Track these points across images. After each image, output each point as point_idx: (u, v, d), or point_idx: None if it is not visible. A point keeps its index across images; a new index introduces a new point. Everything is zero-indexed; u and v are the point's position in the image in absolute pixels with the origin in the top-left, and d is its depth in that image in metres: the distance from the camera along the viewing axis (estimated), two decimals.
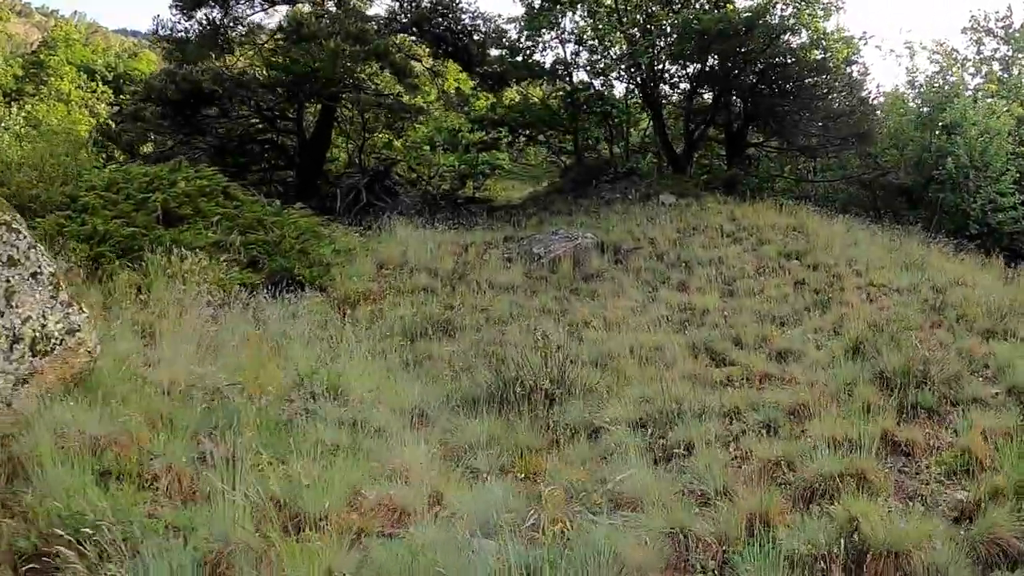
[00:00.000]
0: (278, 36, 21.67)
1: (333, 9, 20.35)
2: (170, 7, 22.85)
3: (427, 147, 32.33)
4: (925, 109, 27.50)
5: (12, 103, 40.66)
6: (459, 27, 23.04)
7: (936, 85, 27.41)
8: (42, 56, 43.16)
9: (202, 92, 20.69)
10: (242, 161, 25.66)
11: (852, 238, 18.52)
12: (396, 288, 14.13)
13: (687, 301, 13.80)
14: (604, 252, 17.20)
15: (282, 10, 23.04)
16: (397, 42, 24.35)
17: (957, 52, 29.47)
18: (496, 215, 24.34)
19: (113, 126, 25.37)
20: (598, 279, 15.76)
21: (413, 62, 24.56)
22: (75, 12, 24.92)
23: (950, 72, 28.41)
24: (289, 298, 12.83)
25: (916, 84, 27.45)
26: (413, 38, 24.27)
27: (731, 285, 14.81)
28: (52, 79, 39.39)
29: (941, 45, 29.05)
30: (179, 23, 23.00)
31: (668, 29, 24.16)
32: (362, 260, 14.90)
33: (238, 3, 22.63)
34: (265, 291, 13.16)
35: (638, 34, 24.51)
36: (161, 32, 23.76)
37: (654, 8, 23.88)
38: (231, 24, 22.87)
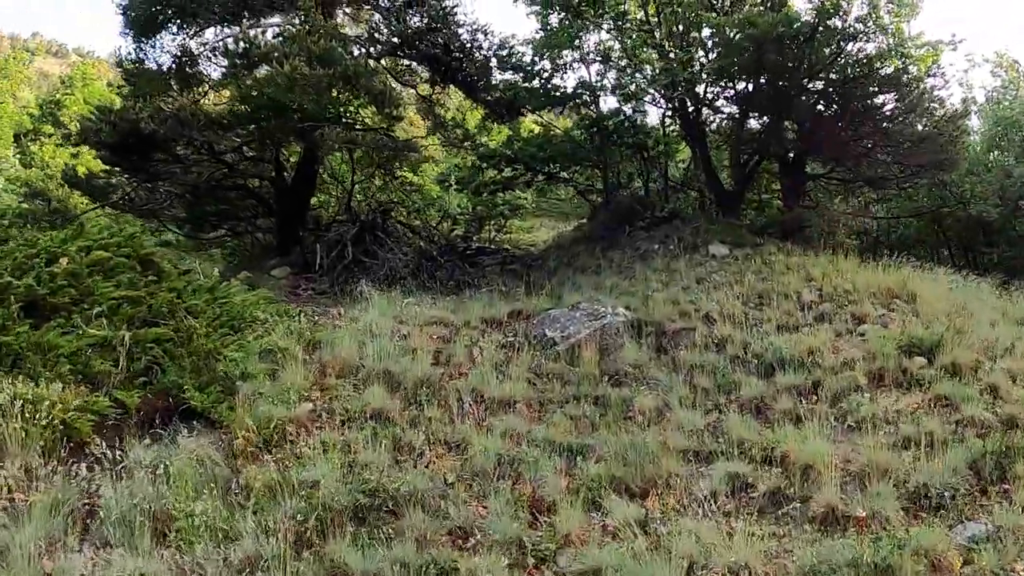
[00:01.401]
0: (223, 63, 16.89)
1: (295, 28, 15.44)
2: (121, 33, 18.29)
3: (435, 188, 27.59)
4: (999, 128, 23.39)
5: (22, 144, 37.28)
6: (456, 44, 18.14)
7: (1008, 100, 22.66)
8: (59, 95, 40.09)
9: (141, 134, 16.03)
10: (220, 210, 21.26)
11: (959, 297, 13.51)
12: (333, 414, 9.19)
13: (772, 442, 8.66)
14: (641, 335, 12.25)
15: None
16: (386, 66, 19.61)
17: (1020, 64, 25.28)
18: (510, 271, 19.44)
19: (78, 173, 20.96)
20: (633, 382, 10.84)
21: (405, 88, 19.79)
22: (116, 50, 20.83)
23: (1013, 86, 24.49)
24: (166, 441, 8.14)
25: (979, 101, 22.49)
26: (406, 61, 19.48)
27: (837, 405, 9.66)
28: (67, 119, 36.17)
29: (1002, 56, 25.05)
30: (131, 52, 18.44)
31: (710, 42, 19.12)
32: (294, 367, 9.93)
33: (204, 27, 17.83)
34: (138, 428, 8.54)
35: (675, 49, 19.44)
36: (121, 63, 19.23)
37: (695, 15, 18.68)
38: (196, 53, 18.14)
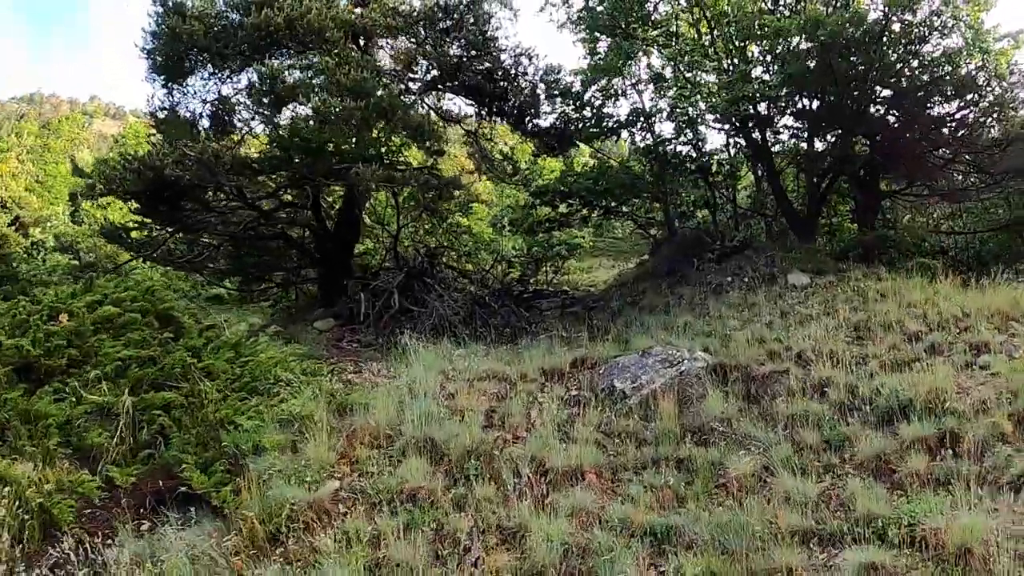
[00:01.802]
0: (245, 101, 15.55)
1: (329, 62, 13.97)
2: (146, 78, 17.11)
3: (487, 231, 26.09)
4: None
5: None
6: (500, 72, 16.62)
7: None
8: (111, 154, 40.17)
9: (166, 180, 14.75)
10: (262, 261, 20.02)
11: None
12: (362, 495, 7.52)
13: (910, 515, 6.67)
14: (726, 381, 10.45)
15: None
16: (431, 104, 18.19)
17: None
18: (570, 314, 17.74)
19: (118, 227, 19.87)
20: (721, 440, 8.99)
21: (449, 125, 18.33)
22: (149, 98, 20.06)
23: None
24: (160, 531, 6.63)
25: None
26: (449, 95, 18.01)
27: (982, 461, 7.62)
28: None
29: None
30: (162, 99, 17.25)
31: (770, 55, 17.36)
32: (319, 437, 8.28)
33: (235, 70, 16.54)
34: (131, 512, 7.03)
35: (733, 63, 17.68)
36: (154, 113, 18.07)
37: (753, 24, 16.87)
38: (232, 99, 16.84)
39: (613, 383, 10.48)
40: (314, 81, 13.51)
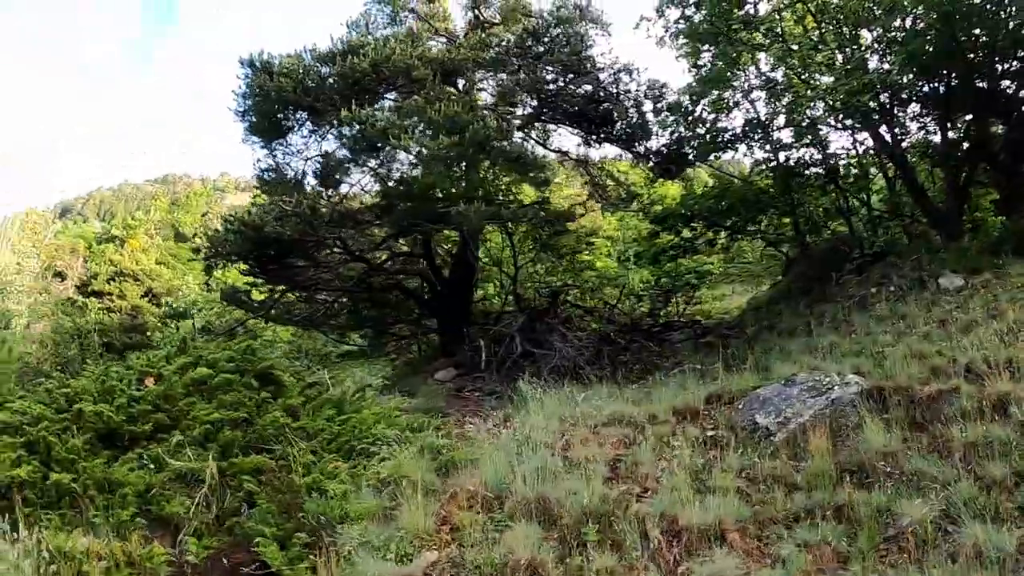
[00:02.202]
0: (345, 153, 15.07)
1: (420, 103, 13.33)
2: (244, 140, 16.94)
3: (611, 265, 25.01)
4: None
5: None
6: (600, 92, 15.64)
7: None
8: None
9: (267, 238, 14.42)
10: (382, 314, 19.68)
11: None
12: (462, 568, 6.53)
13: None
14: (885, 407, 8.98)
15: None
16: (536, 139, 17.38)
17: None
18: (704, 344, 16.50)
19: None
20: (885, 479, 7.55)
21: (557, 156, 17.44)
22: (255, 162, 20.28)
23: None
24: None
25: None
26: (551, 126, 17.15)
27: None
28: None
29: None
30: (266, 159, 17.09)
31: (885, 37, 15.70)
32: (417, 501, 7.32)
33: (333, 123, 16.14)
34: None
35: (847, 52, 16.06)
36: (255, 173, 17.96)
37: (865, 5, 15.24)
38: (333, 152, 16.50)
39: (755, 419, 9.22)
40: (405, 122, 12.87)
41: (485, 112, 14.40)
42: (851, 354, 11.28)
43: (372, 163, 14.62)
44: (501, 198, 15.89)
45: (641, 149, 17.12)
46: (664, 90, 16.81)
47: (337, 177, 15.72)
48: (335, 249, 16.26)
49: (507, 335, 16.59)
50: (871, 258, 15.81)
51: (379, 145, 13.37)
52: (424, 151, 12.84)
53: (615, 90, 15.91)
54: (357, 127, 13.19)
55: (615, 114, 16.17)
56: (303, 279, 17.46)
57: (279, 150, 16.74)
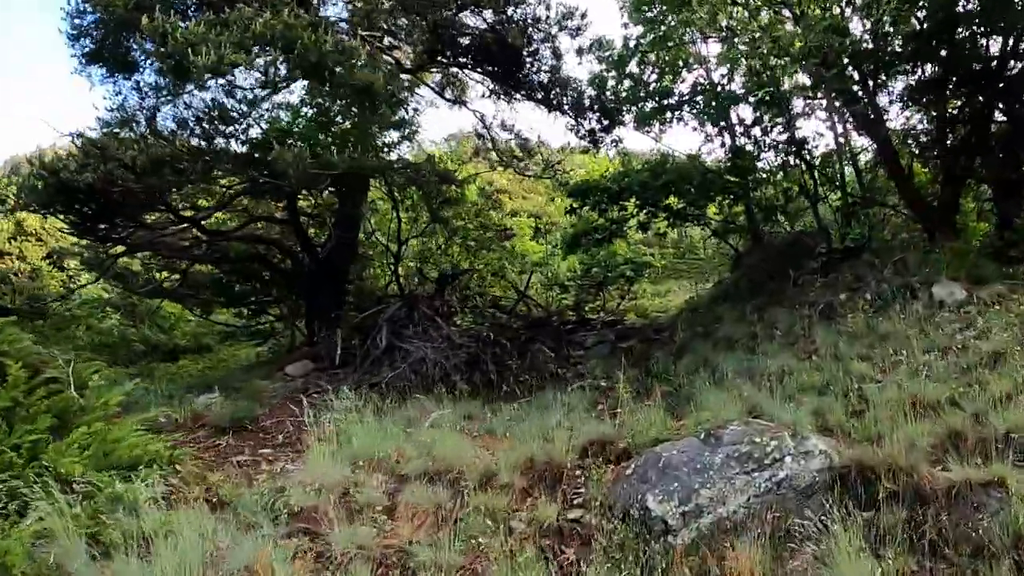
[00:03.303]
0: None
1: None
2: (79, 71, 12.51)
3: (537, 248, 21.02)
4: None
5: None
6: (503, 23, 11.46)
7: None
8: None
9: (70, 187, 10.19)
10: (244, 291, 15.61)
11: None
12: None
13: None
14: (871, 502, 5.04)
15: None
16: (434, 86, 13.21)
17: None
18: (622, 350, 12.63)
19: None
20: None
21: (457, 106, 13.32)
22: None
23: None
24: None
25: None
26: (454, 70, 12.97)
27: None
28: None
29: None
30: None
31: None
32: None
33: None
34: None
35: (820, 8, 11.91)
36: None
37: None
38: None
39: (647, 501, 5.26)
40: (220, 37, 8.60)
41: (343, 38, 10.15)
42: (811, 389, 7.37)
43: (187, 94, 10.39)
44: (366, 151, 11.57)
45: (562, 101, 12.96)
46: (585, 21, 12.62)
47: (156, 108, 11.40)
48: (159, 207, 12.01)
49: (375, 325, 12.58)
50: (841, 255, 11.88)
51: (188, 69, 9.11)
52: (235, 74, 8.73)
53: (524, 22, 11.69)
54: (160, 43, 8.95)
55: (524, 55, 12.04)
56: (133, 242, 13.14)
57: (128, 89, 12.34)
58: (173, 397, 10.84)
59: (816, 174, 13.71)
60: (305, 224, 14.78)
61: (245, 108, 10.04)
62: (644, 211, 14.94)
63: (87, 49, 12.28)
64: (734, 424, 5.96)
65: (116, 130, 10.91)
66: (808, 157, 13.67)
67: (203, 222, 12.97)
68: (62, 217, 11.79)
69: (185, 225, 12.91)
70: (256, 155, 9.91)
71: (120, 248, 13.19)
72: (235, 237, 13.57)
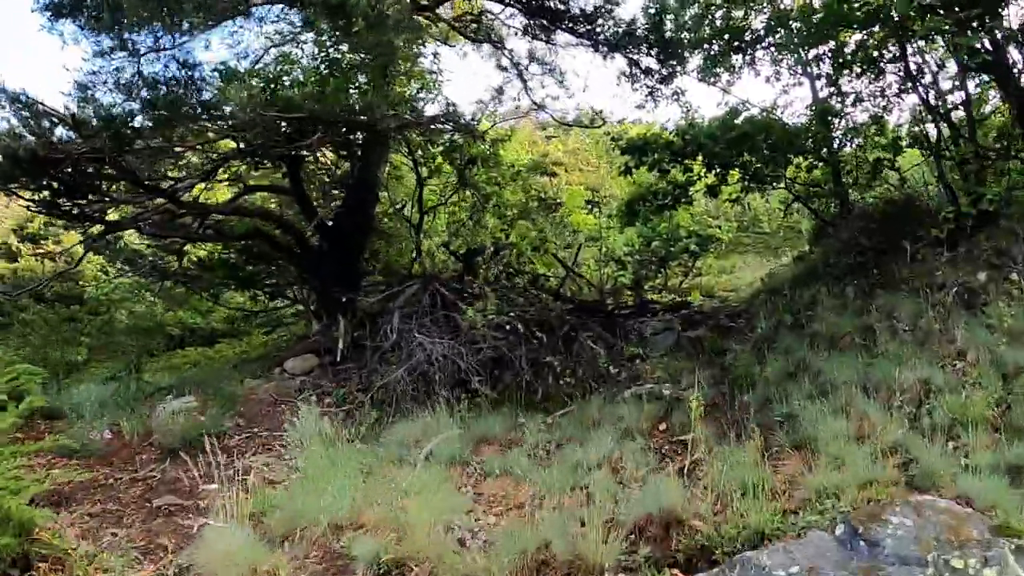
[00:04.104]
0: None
1: None
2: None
3: (591, 220, 18.30)
4: None
5: None
6: None
7: None
8: None
9: (17, 156, 7.96)
10: (249, 274, 13.39)
11: None
12: None
13: None
14: None
15: None
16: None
17: None
18: (690, 341, 10.02)
19: None
20: None
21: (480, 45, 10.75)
22: None
23: None
24: None
25: None
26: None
27: None
28: None
29: None
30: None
31: None
32: None
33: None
34: None
35: None
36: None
37: None
38: None
39: None
40: None
41: None
42: (980, 421, 4.69)
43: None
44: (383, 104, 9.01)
45: (609, 36, 10.25)
46: None
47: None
48: (124, 177, 9.71)
49: (385, 312, 10.19)
50: (973, 221, 9.02)
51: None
52: None
53: None
54: None
55: None
56: (110, 221, 10.87)
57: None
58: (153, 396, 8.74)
59: (941, 118, 10.64)
60: (316, 198, 12.43)
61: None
62: (713, 172, 12.14)
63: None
64: (893, 508, 3.36)
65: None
66: (926, 96, 10.64)
67: (184, 194, 10.65)
68: (27, 195, 9.62)
69: (161, 200, 10.61)
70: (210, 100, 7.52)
71: (99, 228, 11.00)
72: (220, 210, 11.22)
